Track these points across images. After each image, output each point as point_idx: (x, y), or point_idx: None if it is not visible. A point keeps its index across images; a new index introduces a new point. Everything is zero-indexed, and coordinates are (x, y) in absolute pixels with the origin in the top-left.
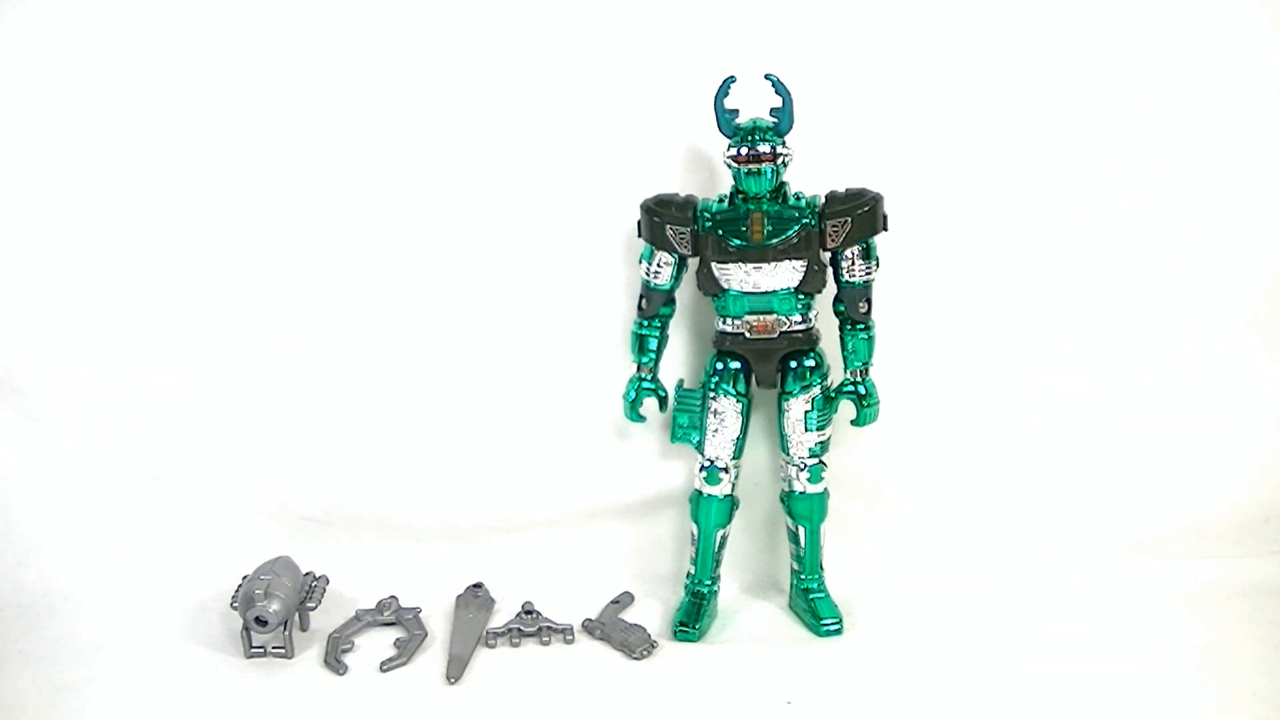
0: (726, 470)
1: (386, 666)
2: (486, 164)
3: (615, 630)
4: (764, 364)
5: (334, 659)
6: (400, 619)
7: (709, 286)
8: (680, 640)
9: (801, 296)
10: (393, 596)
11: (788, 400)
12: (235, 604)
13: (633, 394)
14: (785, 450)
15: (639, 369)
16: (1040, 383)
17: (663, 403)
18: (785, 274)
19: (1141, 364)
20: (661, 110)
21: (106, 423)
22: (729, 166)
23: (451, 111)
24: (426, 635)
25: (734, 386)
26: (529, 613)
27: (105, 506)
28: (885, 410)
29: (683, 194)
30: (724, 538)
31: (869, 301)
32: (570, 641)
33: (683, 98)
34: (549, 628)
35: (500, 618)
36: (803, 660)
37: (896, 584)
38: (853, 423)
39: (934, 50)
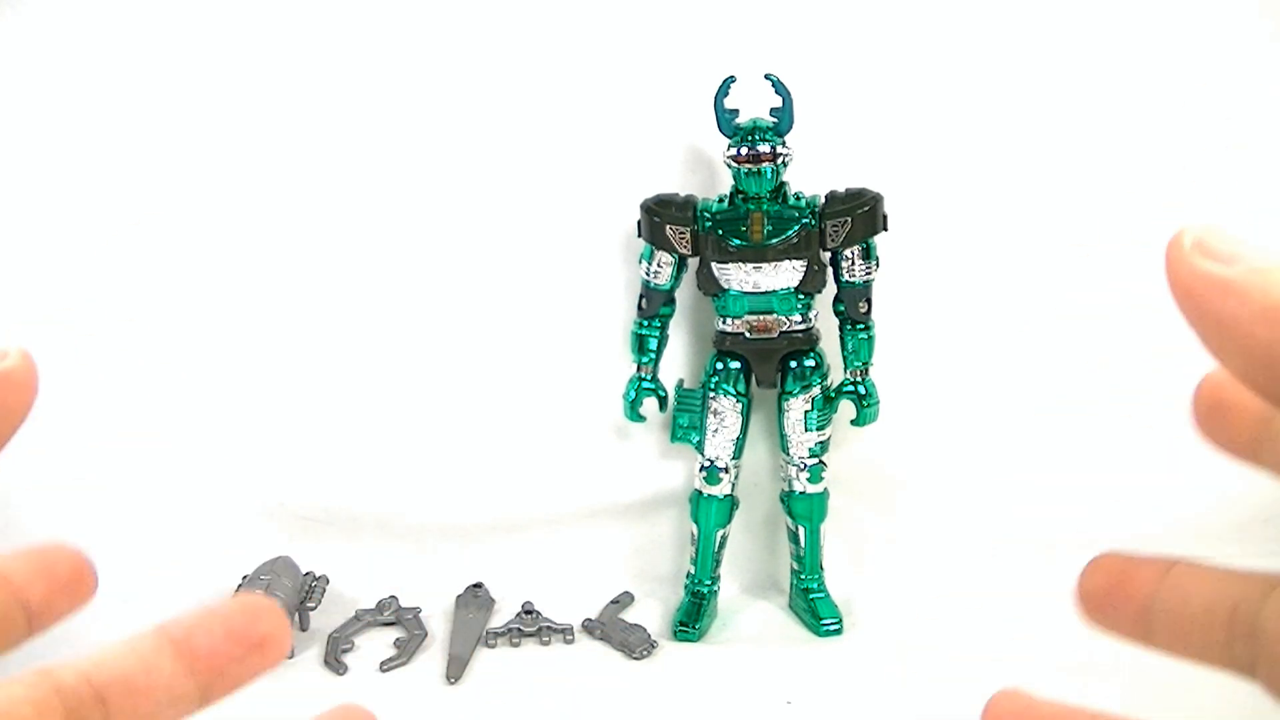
0: (726, 470)
1: (386, 666)
2: (486, 164)
3: (615, 630)
4: (764, 364)
5: (334, 659)
6: (400, 619)
7: (709, 286)
8: (680, 640)
9: (801, 296)
10: (393, 596)
11: (788, 400)
12: None
13: (633, 394)
14: (785, 450)
15: (639, 369)
16: (1041, 382)
17: (663, 403)
18: (785, 274)
19: (1142, 363)
20: (661, 110)
21: (106, 423)
22: (729, 166)
23: (450, 112)
24: (426, 635)
25: (734, 386)
26: (529, 613)
27: (105, 506)
28: (885, 410)
29: (683, 194)
30: (724, 538)
31: (869, 301)
32: (570, 641)
33: (683, 98)
34: (549, 628)
35: (500, 618)
36: (803, 660)
37: (896, 584)
38: (853, 423)
39: (934, 50)
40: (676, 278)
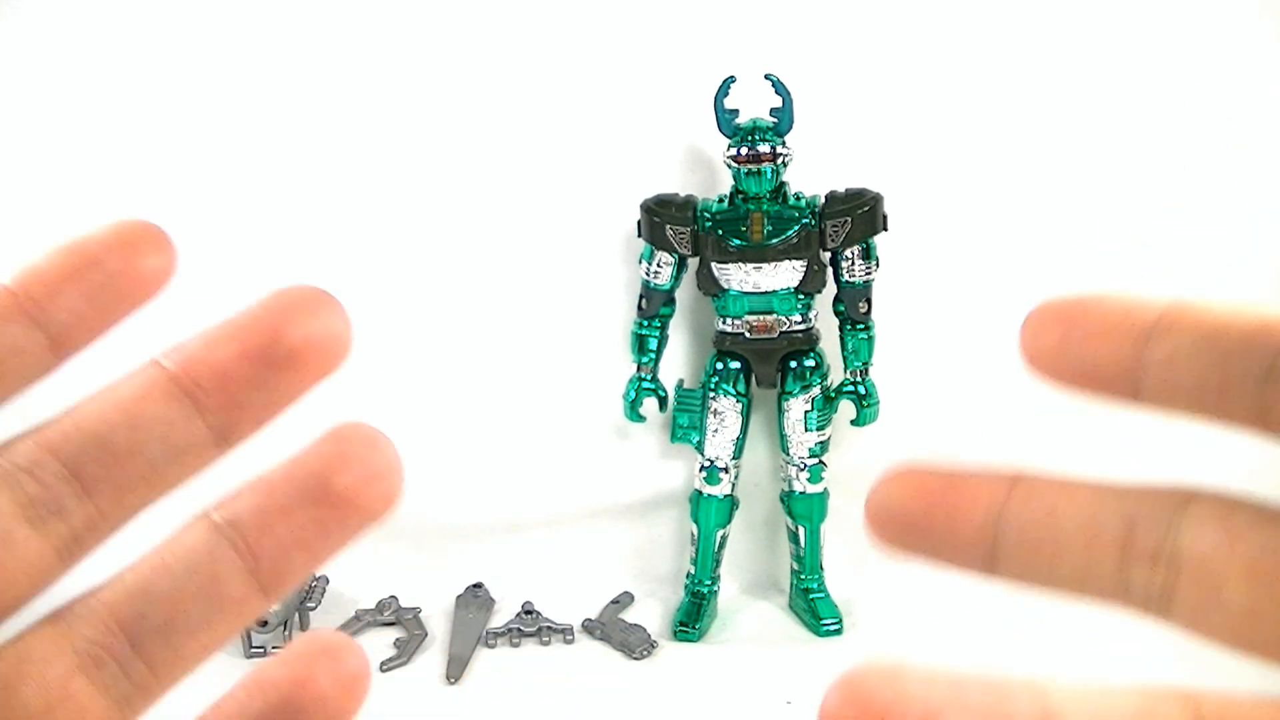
0: (726, 470)
1: (386, 666)
2: (486, 164)
3: (615, 630)
4: (764, 364)
5: None
6: (400, 619)
7: (709, 286)
8: (680, 640)
9: (801, 296)
10: (393, 596)
11: (788, 400)
12: None
13: (633, 394)
14: (785, 450)
15: (639, 369)
16: (1041, 383)
17: (663, 403)
18: (785, 274)
19: None
20: (661, 110)
21: None
22: (729, 166)
23: (450, 112)
24: (426, 635)
25: (734, 386)
26: (529, 613)
27: None
28: (885, 410)
29: (683, 194)
30: (724, 538)
31: (869, 301)
32: (570, 641)
33: (683, 98)
34: (549, 628)
35: (500, 618)
36: (803, 660)
37: (896, 584)
38: (853, 423)
39: (934, 51)
40: (676, 278)
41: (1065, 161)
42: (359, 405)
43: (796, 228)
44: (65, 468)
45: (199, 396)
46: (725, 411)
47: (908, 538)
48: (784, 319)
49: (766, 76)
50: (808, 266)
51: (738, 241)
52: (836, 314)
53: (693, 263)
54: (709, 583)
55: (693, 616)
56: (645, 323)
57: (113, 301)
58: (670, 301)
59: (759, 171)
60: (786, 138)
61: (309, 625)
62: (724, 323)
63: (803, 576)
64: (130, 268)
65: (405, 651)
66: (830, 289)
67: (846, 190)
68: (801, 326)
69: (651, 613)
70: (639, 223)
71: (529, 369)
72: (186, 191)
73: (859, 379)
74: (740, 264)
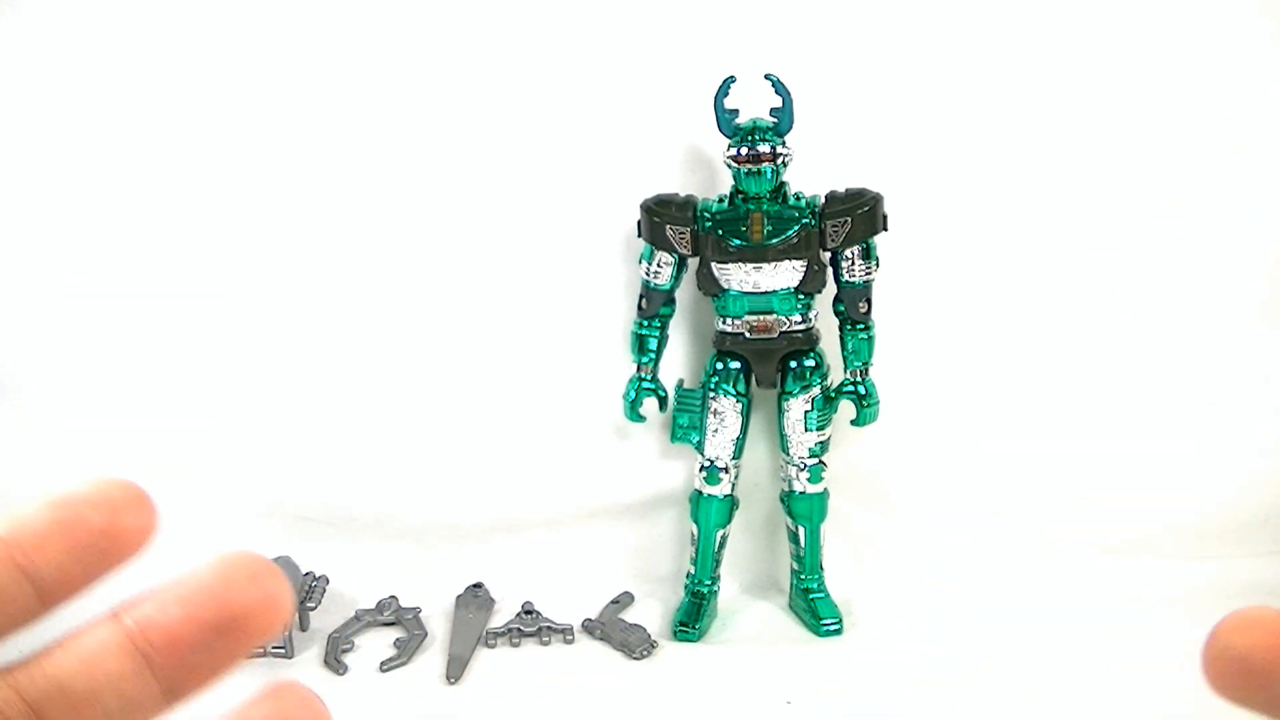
0: (726, 470)
1: (386, 666)
2: (486, 164)
3: (615, 630)
4: (764, 364)
5: (334, 659)
6: (400, 619)
7: (709, 286)
8: (680, 640)
9: (801, 296)
10: (393, 596)
11: (787, 400)
12: None
13: (632, 394)
14: (785, 450)
15: (639, 369)
16: (1040, 382)
17: (663, 403)
18: (785, 274)
19: (1141, 363)
20: (661, 110)
21: (106, 422)
22: (729, 166)
23: (450, 111)
24: (426, 635)
25: (734, 386)
26: (529, 613)
27: None
28: (885, 410)
29: (683, 194)
30: (724, 538)
31: (869, 301)
32: (570, 641)
33: (683, 98)
34: (549, 628)
35: (500, 618)
36: (803, 660)
37: (896, 584)
38: (853, 423)
39: (934, 51)
40: (676, 278)
41: (1065, 161)
42: (360, 406)
43: (796, 228)
44: (30, 708)
45: (152, 657)
46: (725, 411)
47: (1249, 688)
48: (784, 319)
49: (766, 76)
50: (808, 266)
51: (738, 241)
52: (836, 314)
53: (693, 263)
54: (709, 583)
55: (693, 616)
56: (645, 323)
57: (96, 558)
58: (670, 301)
59: (759, 171)
60: (786, 138)
61: (309, 625)
62: (724, 323)
63: (803, 576)
64: (113, 527)
65: (405, 651)
66: (830, 289)
67: (846, 190)
68: (801, 326)
69: (651, 613)
70: (639, 223)
71: (529, 369)
72: (187, 192)
73: (859, 379)
74: (740, 264)
